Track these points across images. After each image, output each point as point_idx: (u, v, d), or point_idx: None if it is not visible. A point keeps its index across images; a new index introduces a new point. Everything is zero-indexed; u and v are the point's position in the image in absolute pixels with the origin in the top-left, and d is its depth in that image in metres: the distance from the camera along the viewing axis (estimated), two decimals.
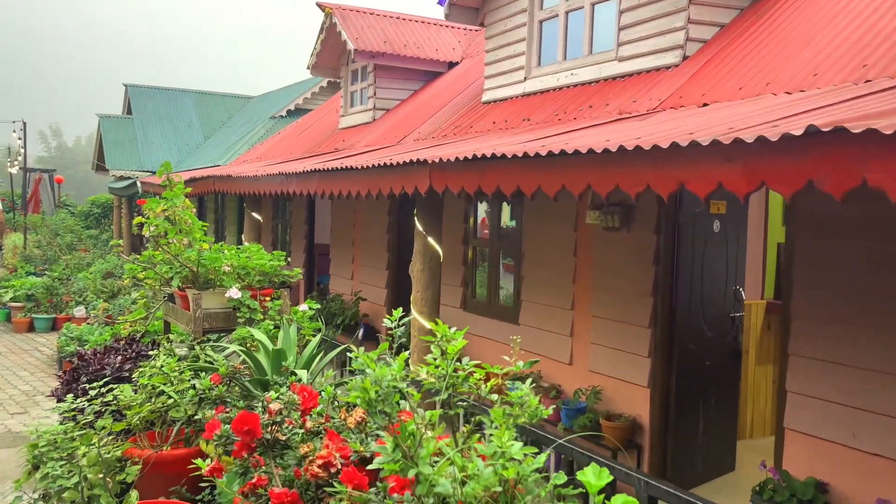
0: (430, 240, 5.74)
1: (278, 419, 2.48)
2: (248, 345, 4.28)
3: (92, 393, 4.12)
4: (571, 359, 6.58)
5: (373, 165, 5.26)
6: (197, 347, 4.33)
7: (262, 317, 4.50)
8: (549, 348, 6.82)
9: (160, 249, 4.51)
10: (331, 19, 10.18)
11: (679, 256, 5.73)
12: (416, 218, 5.78)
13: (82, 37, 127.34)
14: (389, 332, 2.77)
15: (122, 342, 5.00)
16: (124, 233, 19.57)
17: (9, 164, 21.07)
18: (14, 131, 17.71)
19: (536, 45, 7.06)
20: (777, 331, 7.21)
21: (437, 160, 4.47)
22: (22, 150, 17.40)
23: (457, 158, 4.26)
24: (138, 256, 5.12)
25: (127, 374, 4.56)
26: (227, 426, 2.50)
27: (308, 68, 11.15)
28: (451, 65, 10.39)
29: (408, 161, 4.80)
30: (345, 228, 10.81)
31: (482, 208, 7.83)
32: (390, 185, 5.28)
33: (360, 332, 9.58)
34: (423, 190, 4.85)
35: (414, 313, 5.80)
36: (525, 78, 7.15)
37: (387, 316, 2.98)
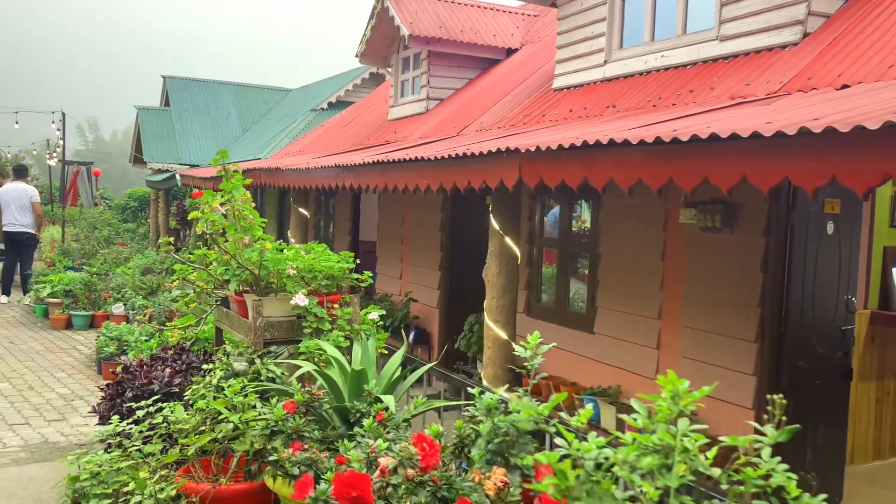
0: (508, 240, 5.12)
1: (393, 481, 1.89)
2: (316, 360, 3.72)
3: (139, 414, 3.59)
4: (657, 373, 5.92)
5: (449, 156, 4.66)
6: (258, 362, 3.78)
7: (329, 327, 3.94)
8: (630, 361, 6.18)
9: (217, 248, 3.96)
10: (382, 3, 9.61)
11: (791, 262, 5.05)
12: (491, 216, 5.17)
13: (120, 29, 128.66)
14: (523, 364, 2.17)
15: (171, 351, 4.46)
16: (161, 227, 19.24)
17: (47, 156, 20.88)
18: (53, 122, 17.41)
19: (618, 26, 6.40)
20: (884, 344, 6.49)
21: (530, 149, 3.86)
22: (61, 142, 17.11)
23: (560, 146, 3.64)
24: (189, 254, 4.60)
25: (177, 390, 4.02)
26: (322, 487, 1.92)
27: (356, 56, 10.60)
28: (510, 52, 9.75)
29: (494, 150, 4.19)
30: (393, 225, 10.25)
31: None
32: (467, 177, 4.67)
33: (411, 336, 9.01)
34: (509, 183, 4.24)
35: (488, 322, 5.19)
36: (605, 61, 6.50)
37: (522, 343, 2.38)
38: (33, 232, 12.56)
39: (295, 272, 3.89)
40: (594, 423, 6.19)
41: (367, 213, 12.64)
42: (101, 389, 4.28)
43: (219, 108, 21.41)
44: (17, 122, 18.23)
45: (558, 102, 6.79)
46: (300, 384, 3.42)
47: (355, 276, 4.21)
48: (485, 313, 5.24)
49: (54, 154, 19.57)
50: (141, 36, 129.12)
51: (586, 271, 6.92)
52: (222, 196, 3.92)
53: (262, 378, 3.72)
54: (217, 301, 4.68)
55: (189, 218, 3.84)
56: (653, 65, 5.98)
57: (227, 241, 4.01)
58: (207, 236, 4.00)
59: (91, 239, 15.20)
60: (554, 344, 3.04)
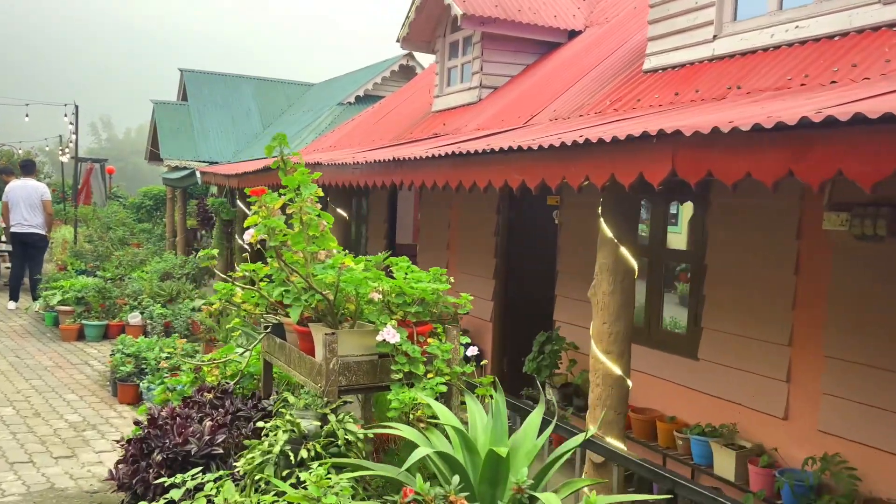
0: (624, 251, 4.10)
1: None
2: (411, 417, 2.72)
3: (174, 495, 2.59)
4: (787, 412, 4.89)
5: (562, 144, 3.64)
6: (332, 420, 2.78)
7: (424, 369, 2.94)
8: (748, 395, 5.14)
9: (277, 264, 2.97)
10: None
11: None
12: (601, 219, 4.15)
13: (136, 26, 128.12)
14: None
15: (209, 395, 3.47)
16: (178, 227, 18.32)
17: (60, 152, 20.00)
18: (66, 115, 16.51)
19: None
20: None
21: (701, 131, 2.84)
22: (74, 137, 16.18)
23: (756, 127, 2.61)
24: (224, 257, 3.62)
25: (220, 451, 3.03)
26: None
27: (398, 41, 9.59)
28: (572, 34, 8.72)
29: (637, 135, 3.17)
30: (437, 228, 9.24)
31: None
32: (585, 172, 3.66)
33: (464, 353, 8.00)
34: (655, 177, 3.22)
35: (596, 353, 4.17)
36: (714, 36, 5.46)
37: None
38: (43, 233, 11.62)
39: (380, 297, 2.90)
40: (702, 468, 5.17)
41: (402, 214, 11.67)
42: (122, 446, 3.29)
43: (238, 103, 20.48)
44: (27, 115, 17.34)
45: (654, 85, 5.76)
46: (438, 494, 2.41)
47: (451, 299, 3.21)
48: (592, 342, 4.22)
49: (67, 150, 18.70)
50: (157, 33, 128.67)
51: (686, 285, 5.90)
52: (287, 196, 2.93)
53: (339, 444, 2.73)
54: (266, 328, 3.69)
55: (246, 225, 2.85)
56: (782, 38, 4.94)
57: (289, 254, 3.02)
58: (269, 248, 3.02)
59: (105, 240, 14.27)
60: None
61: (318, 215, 2.97)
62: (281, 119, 19.92)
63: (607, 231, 4.12)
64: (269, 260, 3.29)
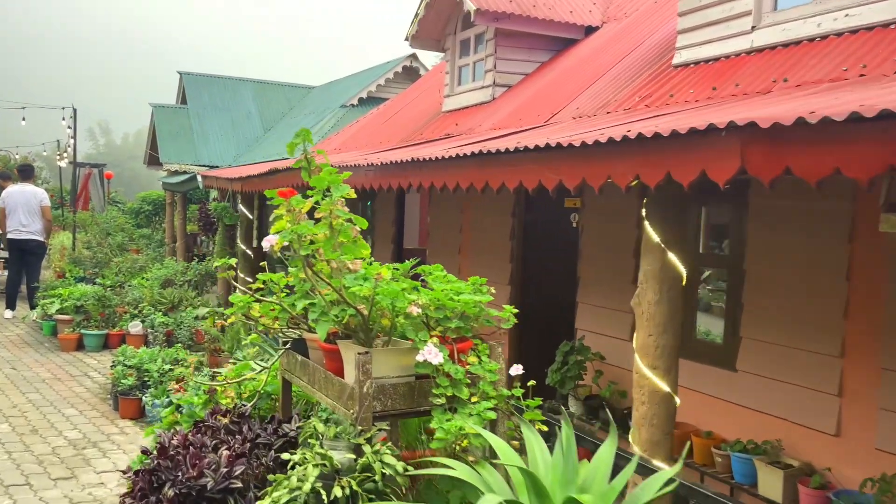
0: (672, 257, 3.77)
1: None
2: (456, 448, 2.39)
3: None
4: (839, 428, 4.57)
5: (609, 140, 3.32)
6: (369, 453, 2.45)
7: (468, 392, 2.61)
8: (795, 409, 4.82)
9: (312, 276, 2.64)
10: None
11: None
12: (646, 223, 3.83)
13: (134, 32, 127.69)
14: None
15: (225, 419, 3.13)
16: (178, 232, 17.99)
17: (57, 157, 19.64)
18: (63, 119, 16.15)
19: None
20: None
21: (781, 122, 2.52)
22: (72, 141, 15.83)
23: (853, 116, 2.29)
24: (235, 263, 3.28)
25: (239, 484, 2.70)
26: None
27: (406, 39, 9.28)
28: (588, 30, 8.41)
29: (703, 128, 2.85)
30: (448, 232, 8.93)
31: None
32: (635, 169, 3.33)
33: None
34: (722, 175, 2.90)
35: (642, 368, 3.84)
36: (753, 27, 5.14)
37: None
38: (42, 239, 11.27)
39: (419, 311, 2.57)
40: (745, 487, 4.84)
41: (409, 217, 11.34)
42: (128, 478, 2.95)
43: (238, 106, 20.15)
44: (24, 119, 16.98)
45: (688, 80, 5.44)
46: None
47: (494, 312, 2.88)
48: (636, 356, 3.89)
49: (65, 155, 18.34)
50: (154, 38, 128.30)
51: (723, 293, 5.57)
52: (315, 198, 2.59)
53: (374, 478, 2.39)
54: (285, 343, 3.36)
55: (273, 231, 2.52)
56: (830, 27, 4.62)
57: (319, 261, 2.69)
58: (295, 257, 2.68)
59: (104, 246, 13.92)
60: None
61: (350, 220, 2.64)
62: (282, 122, 19.59)
63: (653, 235, 3.79)
64: (290, 269, 2.96)
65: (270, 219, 2.90)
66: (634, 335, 3.96)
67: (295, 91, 21.52)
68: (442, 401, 2.57)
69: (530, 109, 7.18)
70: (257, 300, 3.11)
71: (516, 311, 2.94)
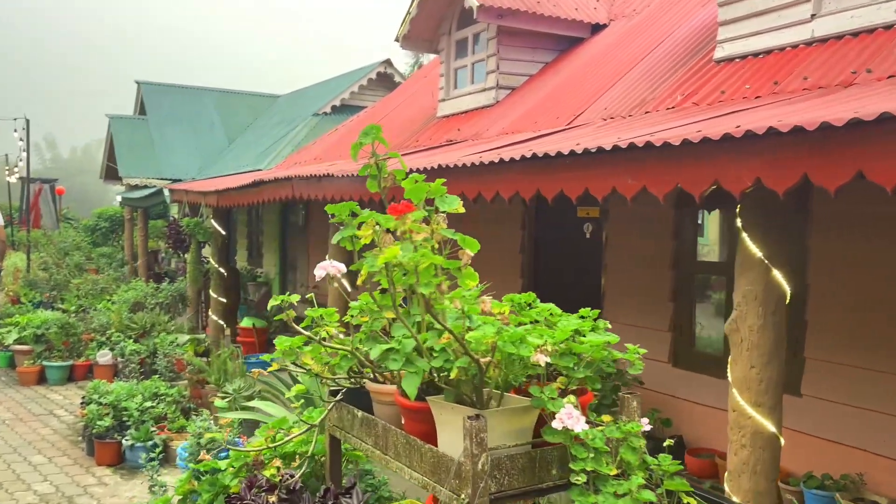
0: (777, 274, 3.23)
1: None
2: None
3: None
4: None
5: (725, 136, 2.75)
6: None
7: (609, 463, 1.99)
8: (877, 439, 4.32)
9: (432, 316, 2.00)
10: None
11: None
12: (744, 234, 3.27)
13: (74, 40, 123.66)
14: None
15: (273, 497, 2.45)
16: (139, 248, 17.03)
17: (7, 172, 18.43)
18: (15, 130, 15.08)
19: None
20: None
21: None
22: (24, 154, 14.74)
23: None
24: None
25: None
26: None
27: (397, 40, 8.67)
28: (595, 28, 7.91)
29: (838, 124, 2.30)
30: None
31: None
32: (756, 172, 2.77)
33: None
34: (833, 180, 2.36)
35: (742, 405, 3.28)
36: (812, 16, 4.67)
37: None
38: None
39: (546, 360, 1.95)
40: None
41: None
42: None
43: (200, 117, 19.24)
44: None
45: (737, 75, 4.94)
46: None
47: (618, 355, 2.28)
48: (733, 391, 3.33)
49: (16, 169, 17.18)
50: (101, 46, 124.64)
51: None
52: (406, 219, 1.93)
53: None
54: (337, 394, 2.70)
55: (384, 259, 1.87)
56: None
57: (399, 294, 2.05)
58: (387, 297, 2.03)
59: (62, 267, 12.93)
60: None
61: (468, 244, 2.00)
62: (247, 132, 18.75)
63: (754, 249, 3.24)
64: (358, 302, 2.32)
65: (333, 240, 2.25)
66: (730, 366, 3.40)
67: (260, 100, 20.69)
68: (583, 478, 1.95)
69: (546, 112, 6.62)
70: (309, 339, 2.46)
71: (643, 351, 2.34)
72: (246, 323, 11.30)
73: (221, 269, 10.58)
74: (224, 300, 10.66)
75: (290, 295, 2.35)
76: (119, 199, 22.81)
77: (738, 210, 3.32)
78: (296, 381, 5.24)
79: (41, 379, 8.59)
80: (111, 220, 21.40)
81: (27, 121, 13.89)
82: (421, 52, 9.12)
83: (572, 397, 1.99)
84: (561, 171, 3.75)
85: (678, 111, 4.91)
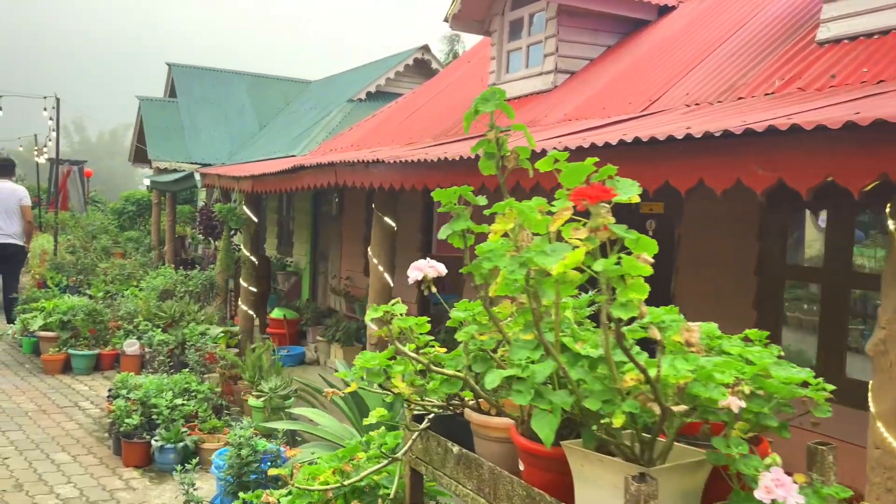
0: None
1: None
2: None
3: None
4: None
5: None
6: None
7: None
8: None
9: (615, 342, 1.51)
10: None
11: None
12: None
13: (104, 24, 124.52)
14: None
15: None
16: (167, 233, 16.70)
17: (35, 153, 18.20)
18: (45, 109, 14.76)
19: None
20: None
21: None
22: (54, 134, 14.42)
23: None
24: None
25: None
26: None
27: (446, 19, 8.17)
28: (661, 11, 7.35)
29: None
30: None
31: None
32: (874, 166, 2.24)
33: None
34: None
35: (889, 441, 2.76)
36: None
37: None
38: (22, 243, 9.96)
39: (741, 404, 1.46)
40: None
41: (439, 221, 10.22)
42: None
43: (231, 101, 18.88)
44: (0, 109, 15.57)
45: (849, 57, 4.38)
46: None
47: (800, 392, 1.76)
48: (878, 426, 2.80)
49: (44, 150, 16.93)
50: (130, 30, 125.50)
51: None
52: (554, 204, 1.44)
53: None
54: (421, 419, 2.21)
55: (478, 261, 1.37)
56: None
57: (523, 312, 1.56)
58: (525, 312, 1.54)
59: (89, 250, 12.60)
60: None
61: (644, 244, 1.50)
62: (279, 118, 18.37)
63: None
64: (459, 312, 1.84)
65: (441, 235, 1.78)
66: (874, 395, 2.88)
67: (292, 85, 20.28)
68: None
69: (614, 97, 6.09)
70: (397, 355, 1.98)
71: (833, 387, 1.83)
72: (276, 314, 10.90)
73: (253, 258, 10.18)
74: (254, 289, 10.26)
75: (393, 305, 1.86)
76: (146, 182, 22.61)
77: (888, 209, 2.79)
78: (331, 385, 4.79)
79: (66, 367, 8.23)
80: (138, 204, 21.14)
81: (57, 100, 13.57)
82: (470, 32, 8.58)
83: (776, 457, 1.49)
84: (666, 159, 3.23)
85: (782, 97, 4.36)
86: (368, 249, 6.96)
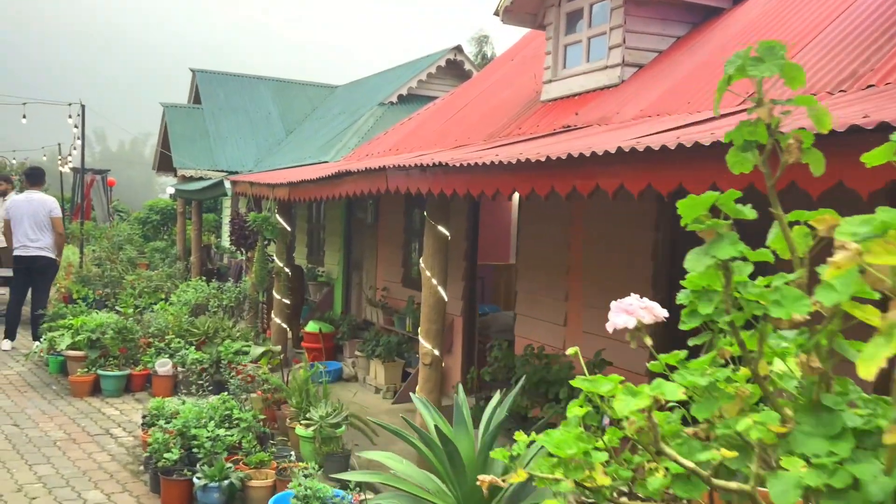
0: None
1: None
2: None
3: None
4: None
5: None
6: None
7: None
8: None
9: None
10: None
11: None
12: None
13: (126, 37, 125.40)
14: None
15: None
16: (192, 244, 16.27)
17: (59, 161, 17.85)
18: (70, 116, 14.39)
19: None
20: None
21: None
22: (79, 142, 14.02)
23: None
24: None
25: None
26: None
27: (496, 13, 7.61)
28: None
29: None
30: (549, 247, 7.20)
31: None
32: None
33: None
34: None
35: None
36: None
37: None
38: (53, 256, 9.52)
39: None
40: None
41: (484, 227, 9.65)
42: None
43: (257, 107, 18.46)
44: (24, 116, 15.21)
45: None
46: None
47: None
48: None
49: (69, 158, 16.57)
50: (150, 42, 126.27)
51: None
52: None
53: None
54: None
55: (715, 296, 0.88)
56: None
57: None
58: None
59: (116, 262, 12.14)
60: None
61: None
62: (306, 123, 17.91)
63: None
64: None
65: (687, 264, 1.21)
66: None
67: (317, 90, 19.84)
68: None
69: (700, 90, 5.48)
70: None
71: None
72: (312, 327, 10.36)
73: (285, 269, 9.66)
74: (288, 301, 9.73)
75: (658, 387, 1.27)
76: (170, 191, 22.24)
77: None
78: (409, 423, 4.20)
79: (95, 389, 7.73)
80: (162, 213, 20.77)
81: (82, 106, 13.15)
82: (523, 26, 8.02)
83: None
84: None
85: None
86: (421, 261, 6.38)
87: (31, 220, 9.26)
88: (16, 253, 9.37)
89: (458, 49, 15.01)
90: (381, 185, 6.24)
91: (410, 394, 4.79)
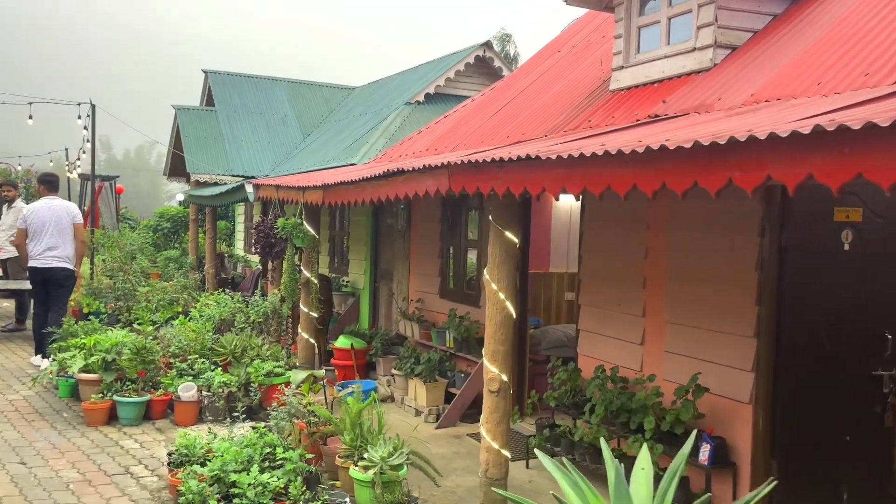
0: None
1: None
2: None
3: None
4: None
5: None
6: None
7: None
8: None
9: None
10: None
11: None
12: None
13: (131, 43, 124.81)
14: None
15: None
16: (206, 253, 15.46)
17: (67, 167, 17.08)
18: (79, 117, 13.62)
19: None
20: None
21: None
22: (87, 145, 13.22)
23: None
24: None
25: None
26: None
27: None
28: None
29: None
30: (620, 256, 6.35)
31: None
32: None
33: (708, 453, 5.12)
34: None
35: None
36: None
37: None
38: (71, 267, 8.76)
39: None
40: None
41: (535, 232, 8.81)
42: None
43: (273, 109, 17.68)
44: (30, 116, 14.45)
45: None
46: None
47: None
48: None
49: (77, 163, 15.80)
50: (156, 46, 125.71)
51: None
52: None
53: None
54: None
55: None
56: None
57: None
58: None
59: (128, 273, 11.32)
60: None
61: None
62: (324, 126, 17.12)
63: None
64: None
65: None
66: None
67: (334, 91, 19.05)
68: None
69: (831, 67, 4.64)
70: None
71: None
72: (343, 343, 9.55)
73: (314, 280, 8.83)
74: (316, 315, 8.90)
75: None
76: (180, 197, 21.42)
77: None
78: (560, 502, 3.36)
79: (111, 416, 6.89)
80: (173, 221, 19.97)
81: (93, 106, 12.35)
82: (589, 7, 7.20)
83: None
84: None
85: None
86: (485, 272, 5.52)
87: (55, 228, 8.59)
88: (32, 264, 8.63)
89: (488, 45, 14.22)
90: (440, 185, 5.39)
91: (537, 451, 3.94)
